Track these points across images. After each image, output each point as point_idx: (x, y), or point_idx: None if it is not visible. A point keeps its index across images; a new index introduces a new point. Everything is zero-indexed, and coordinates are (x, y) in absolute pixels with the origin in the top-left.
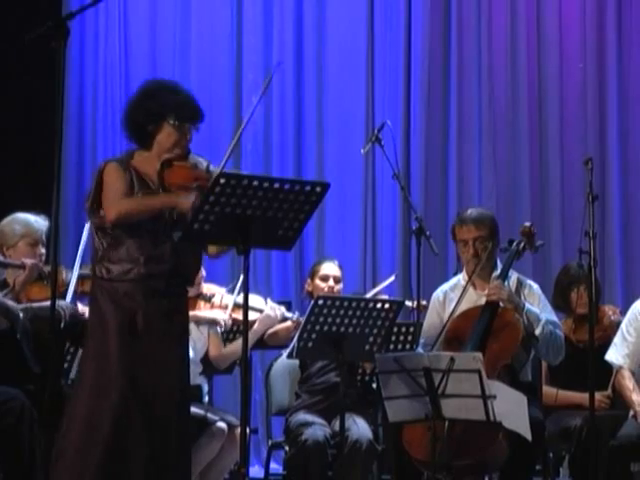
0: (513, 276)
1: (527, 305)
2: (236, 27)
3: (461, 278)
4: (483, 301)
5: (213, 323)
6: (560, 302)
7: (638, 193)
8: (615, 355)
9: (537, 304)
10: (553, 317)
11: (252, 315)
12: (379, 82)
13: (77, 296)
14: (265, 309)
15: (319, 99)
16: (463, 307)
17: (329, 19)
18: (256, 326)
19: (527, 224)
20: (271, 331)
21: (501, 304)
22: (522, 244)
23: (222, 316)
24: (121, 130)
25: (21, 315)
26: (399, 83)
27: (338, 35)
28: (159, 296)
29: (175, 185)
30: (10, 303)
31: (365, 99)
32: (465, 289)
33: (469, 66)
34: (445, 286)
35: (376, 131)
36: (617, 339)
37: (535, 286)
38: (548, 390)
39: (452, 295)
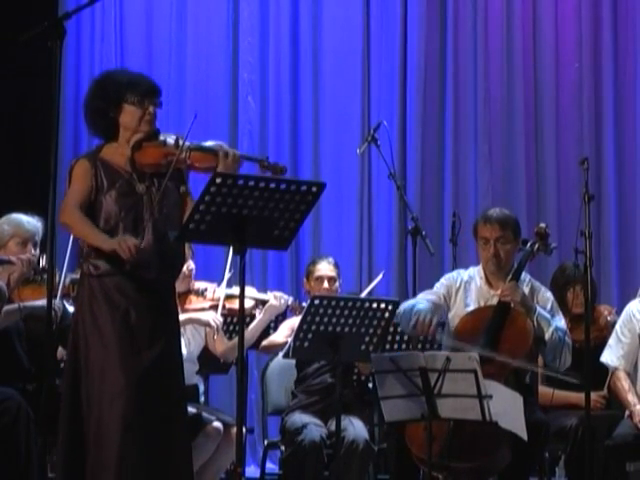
0: (526, 279)
1: (539, 309)
2: (232, 27)
3: (476, 273)
4: (495, 300)
5: (206, 326)
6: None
7: (634, 193)
8: (610, 357)
9: (548, 309)
10: (562, 324)
11: (248, 303)
12: (375, 82)
13: (67, 300)
14: (270, 298)
15: (315, 99)
16: (475, 304)
17: (325, 19)
18: (262, 316)
19: (542, 225)
20: (265, 343)
21: (513, 305)
22: (536, 245)
23: (213, 316)
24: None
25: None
26: (395, 83)
27: (334, 35)
28: (150, 287)
29: (147, 166)
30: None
31: (361, 99)
32: (479, 287)
33: (465, 66)
34: (464, 274)
35: (372, 131)
36: (612, 340)
37: (548, 293)
38: (544, 390)
39: (468, 287)
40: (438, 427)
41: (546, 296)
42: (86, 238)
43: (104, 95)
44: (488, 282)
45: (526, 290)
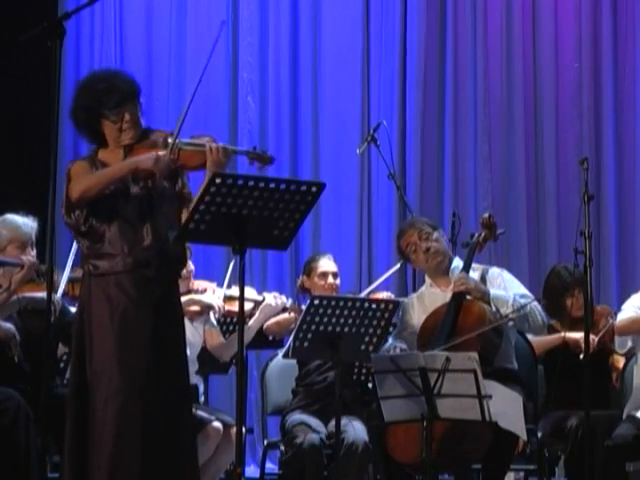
0: (478, 269)
1: (492, 291)
2: (232, 27)
3: (425, 285)
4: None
5: (209, 308)
6: (552, 308)
7: (633, 193)
8: (626, 311)
9: (502, 284)
10: (522, 291)
11: (247, 305)
12: (375, 82)
13: (68, 299)
14: (267, 298)
15: (315, 99)
16: (432, 308)
17: (325, 19)
18: (257, 315)
19: (485, 215)
20: (272, 321)
21: (468, 296)
22: (482, 235)
23: (217, 302)
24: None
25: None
26: (395, 83)
27: (334, 35)
28: (150, 284)
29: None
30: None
31: (361, 99)
32: (429, 292)
33: (464, 66)
34: (414, 294)
35: (372, 131)
36: (625, 305)
37: (498, 270)
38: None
39: (422, 300)
40: (416, 429)
41: (495, 275)
42: (108, 178)
43: (84, 107)
44: (438, 285)
45: (476, 276)
